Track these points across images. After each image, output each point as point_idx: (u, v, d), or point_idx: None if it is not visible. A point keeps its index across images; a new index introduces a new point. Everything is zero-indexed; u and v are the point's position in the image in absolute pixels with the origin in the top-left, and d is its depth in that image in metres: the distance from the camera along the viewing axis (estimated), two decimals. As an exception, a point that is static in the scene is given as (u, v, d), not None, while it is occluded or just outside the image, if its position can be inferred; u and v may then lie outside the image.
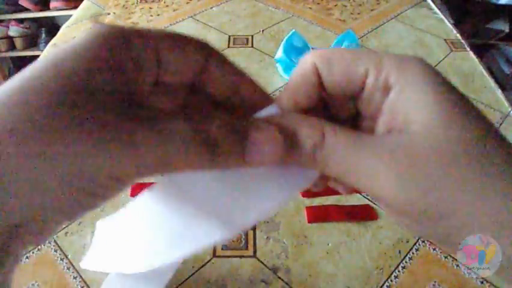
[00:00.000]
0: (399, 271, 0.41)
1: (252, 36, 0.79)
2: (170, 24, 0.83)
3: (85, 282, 0.40)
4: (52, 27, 2.03)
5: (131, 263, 0.19)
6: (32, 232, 0.14)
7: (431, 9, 0.89)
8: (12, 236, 0.14)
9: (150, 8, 0.89)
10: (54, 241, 0.44)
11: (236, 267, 0.41)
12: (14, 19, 1.96)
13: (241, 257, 0.42)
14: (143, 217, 0.20)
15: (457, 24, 0.85)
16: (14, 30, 1.98)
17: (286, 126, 0.17)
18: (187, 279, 0.40)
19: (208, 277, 0.40)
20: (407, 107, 0.16)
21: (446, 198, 0.15)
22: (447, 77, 0.17)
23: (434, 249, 0.43)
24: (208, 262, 0.42)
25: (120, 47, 0.15)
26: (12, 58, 2.12)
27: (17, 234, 0.14)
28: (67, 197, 0.14)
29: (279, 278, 0.40)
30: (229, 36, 0.78)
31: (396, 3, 0.91)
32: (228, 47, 0.76)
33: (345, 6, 0.89)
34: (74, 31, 0.82)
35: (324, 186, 0.20)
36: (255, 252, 0.42)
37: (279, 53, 0.66)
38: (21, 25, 2.00)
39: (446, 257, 0.42)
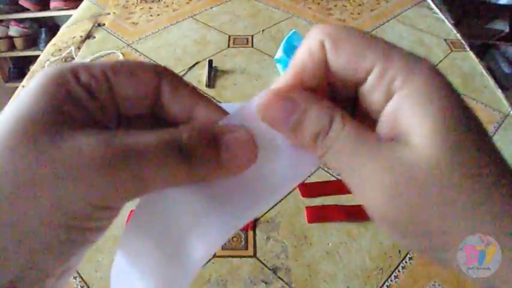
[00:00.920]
0: (399, 271, 0.41)
1: (252, 36, 0.79)
2: (171, 24, 0.83)
3: (85, 282, 0.40)
4: (52, 27, 2.03)
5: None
6: (32, 283, 0.13)
7: (431, 9, 0.89)
8: None
9: (150, 8, 0.89)
10: (54, 241, 0.44)
11: (236, 267, 0.41)
12: (14, 19, 1.96)
13: (241, 257, 0.42)
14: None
15: (457, 24, 0.85)
16: (14, 30, 1.98)
17: (297, 101, 0.16)
18: (187, 279, 0.40)
19: (208, 277, 0.40)
20: (411, 116, 0.15)
21: (436, 217, 0.15)
22: (451, 82, 0.16)
23: (434, 249, 0.43)
24: (208, 262, 0.42)
25: (66, 77, 0.15)
26: (12, 58, 2.12)
27: None
28: (55, 237, 0.13)
29: (279, 278, 0.40)
30: (229, 36, 0.78)
31: (396, 3, 0.91)
32: (228, 47, 0.76)
33: (345, 6, 0.89)
34: (74, 31, 0.82)
35: None
36: (255, 252, 0.42)
37: (279, 53, 0.66)
38: (21, 25, 2.00)
39: (446, 257, 0.42)
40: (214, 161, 0.16)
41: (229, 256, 0.42)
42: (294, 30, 0.65)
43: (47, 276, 0.14)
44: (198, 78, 0.68)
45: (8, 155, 0.13)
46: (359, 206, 0.47)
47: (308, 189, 0.49)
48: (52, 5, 1.88)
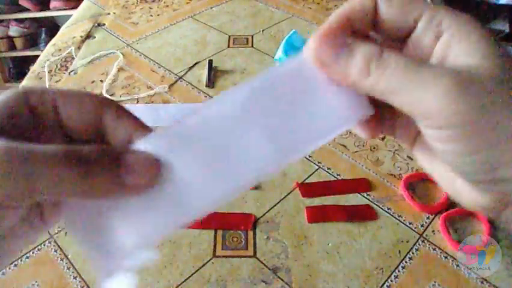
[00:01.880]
0: (399, 271, 0.41)
1: (252, 36, 0.79)
2: (171, 24, 0.83)
3: (85, 282, 0.40)
4: (52, 27, 2.03)
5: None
6: None
7: (431, 9, 0.89)
8: None
9: (150, 8, 0.89)
10: (54, 241, 0.44)
11: (236, 267, 0.41)
12: (14, 19, 1.96)
13: (241, 257, 0.42)
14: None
15: (456, 24, 0.85)
16: (14, 30, 1.98)
17: (345, 38, 0.17)
18: (187, 279, 0.40)
19: (208, 277, 0.40)
20: (459, 52, 0.16)
21: (507, 116, 0.15)
22: None
23: (434, 249, 0.43)
24: (208, 262, 0.42)
25: (19, 99, 0.17)
26: (12, 58, 2.12)
27: None
28: None
29: (279, 278, 0.40)
30: (229, 36, 0.78)
31: (396, 3, 0.91)
32: (228, 47, 0.76)
33: (345, 6, 0.89)
34: (74, 31, 0.82)
35: (372, 134, 0.21)
36: (255, 252, 0.42)
37: (279, 53, 0.66)
38: (21, 25, 2.00)
39: (446, 257, 0.42)
40: (113, 178, 0.16)
41: (229, 256, 0.42)
42: (294, 30, 0.65)
43: None
44: (198, 78, 0.68)
45: None
46: (359, 206, 0.47)
47: (308, 189, 0.49)
48: (52, 5, 1.87)
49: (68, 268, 0.41)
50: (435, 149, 0.17)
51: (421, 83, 0.15)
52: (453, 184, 0.18)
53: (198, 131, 0.19)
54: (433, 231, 0.44)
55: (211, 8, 0.89)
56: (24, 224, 0.18)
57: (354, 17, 0.18)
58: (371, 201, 0.47)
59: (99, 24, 0.84)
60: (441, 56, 0.17)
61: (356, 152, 0.54)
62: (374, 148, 0.55)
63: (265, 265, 0.41)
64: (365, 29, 0.19)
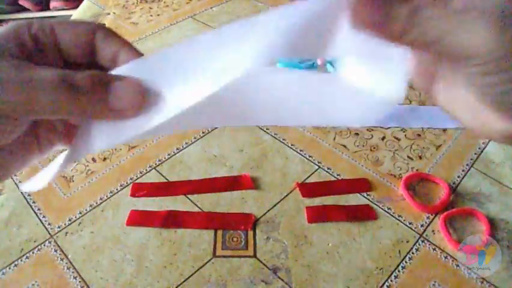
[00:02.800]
0: (399, 271, 0.41)
1: (252, 36, 0.78)
2: (171, 24, 0.83)
3: (85, 282, 0.40)
4: (52, 27, 2.03)
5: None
6: None
7: (431, 9, 0.89)
8: None
9: (150, 8, 0.89)
10: (54, 241, 0.44)
11: (236, 267, 0.41)
12: (14, 19, 1.96)
13: (241, 257, 0.42)
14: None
15: (456, 24, 0.85)
16: (14, 30, 1.98)
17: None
18: (187, 279, 0.40)
19: (208, 277, 0.40)
20: None
21: None
22: None
23: (434, 249, 0.43)
24: (208, 262, 0.42)
25: (22, 29, 0.20)
26: (12, 58, 2.11)
27: None
28: None
29: (279, 278, 0.40)
30: (229, 36, 0.78)
31: (396, 3, 0.91)
32: (228, 47, 0.76)
33: (345, 6, 0.89)
34: (74, 31, 0.82)
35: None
36: (255, 252, 0.42)
37: (279, 53, 0.66)
38: (21, 25, 1.99)
39: (446, 257, 0.42)
40: (101, 102, 0.19)
41: (229, 256, 0.42)
42: (294, 30, 0.65)
43: None
44: (198, 78, 0.68)
45: None
46: (359, 206, 0.47)
47: (308, 189, 0.49)
48: (52, 5, 1.87)
49: (68, 268, 0.41)
50: (473, 85, 0.18)
51: (465, 27, 0.16)
52: (478, 116, 0.19)
53: (186, 53, 0.20)
54: (433, 231, 0.44)
55: (211, 8, 0.89)
56: (21, 146, 0.21)
57: None
58: (371, 201, 0.47)
59: (99, 24, 0.84)
60: None
61: (356, 152, 0.54)
62: (374, 148, 0.55)
63: (265, 265, 0.41)
64: None
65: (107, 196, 0.48)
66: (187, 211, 0.46)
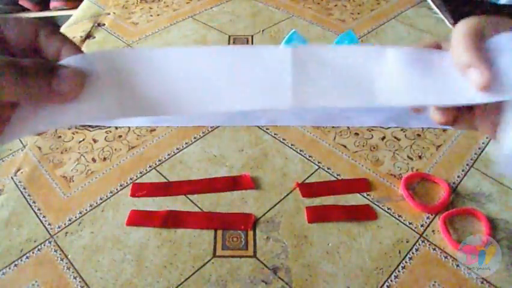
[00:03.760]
0: (399, 271, 0.41)
1: (252, 36, 0.79)
2: (171, 24, 0.83)
3: (85, 282, 0.40)
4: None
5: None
6: None
7: (431, 9, 0.89)
8: None
9: (150, 8, 0.89)
10: (54, 241, 0.44)
11: (236, 267, 0.41)
12: (14, 19, 1.96)
13: (241, 257, 0.42)
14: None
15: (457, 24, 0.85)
16: (14, 30, 1.98)
17: None
18: (187, 279, 0.40)
19: (208, 277, 0.40)
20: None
21: None
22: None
23: (434, 249, 0.43)
24: (208, 262, 0.42)
25: None
26: (12, 58, 2.11)
27: None
28: None
29: (279, 278, 0.40)
30: (229, 36, 0.78)
31: (396, 3, 0.91)
32: (228, 47, 0.76)
33: (345, 6, 0.89)
34: (74, 31, 0.82)
35: (448, 120, 0.28)
36: (255, 252, 0.42)
37: (279, 53, 0.66)
38: (21, 25, 1.99)
39: (446, 257, 0.42)
40: (46, 84, 0.21)
41: (229, 256, 0.42)
42: (294, 30, 0.65)
43: None
44: (198, 78, 0.68)
45: None
46: (359, 206, 0.47)
47: (308, 189, 0.49)
48: (52, 5, 1.87)
49: (68, 268, 0.41)
50: None
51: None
52: None
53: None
54: (433, 231, 0.44)
55: (211, 8, 0.89)
56: None
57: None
58: (371, 201, 0.47)
59: (99, 24, 0.84)
60: None
61: (356, 152, 0.54)
62: (374, 148, 0.55)
63: (265, 265, 0.41)
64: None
65: (107, 196, 0.48)
66: (187, 211, 0.46)
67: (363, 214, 0.46)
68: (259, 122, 0.58)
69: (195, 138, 0.56)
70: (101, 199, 0.48)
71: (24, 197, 0.48)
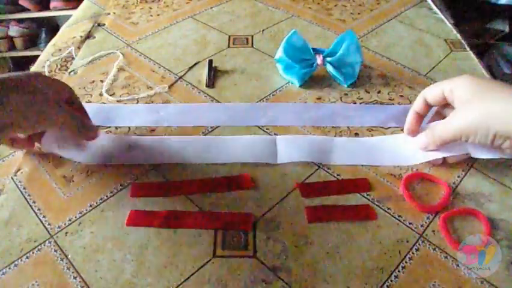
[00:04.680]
0: (399, 271, 0.41)
1: (252, 36, 0.79)
2: (171, 24, 0.83)
3: (85, 282, 0.40)
4: (52, 27, 2.03)
5: None
6: None
7: (431, 9, 0.89)
8: None
9: (150, 8, 0.89)
10: (54, 241, 0.44)
11: (236, 267, 0.41)
12: (14, 19, 1.96)
13: (241, 257, 0.42)
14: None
15: (457, 24, 0.85)
16: (14, 30, 1.98)
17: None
18: (187, 279, 0.40)
19: (208, 277, 0.40)
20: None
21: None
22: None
23: (434, 249, 0.43)
24: (208, 262, 0.42)
25: (70, 89, 0.48)
26: (12, 58, 2.11)
27: None
28: None
29: (279, 278, 0.40)
30: (229, 36, 0.78)
31: (396, 3, 0.91)
32: (228, 47, 0.76)
33: (345, 6, 0.89)
34: (74, 31, 0.82)
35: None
36: (255, 252, 0.42)
37: (279, 53, 0.66)
38: (21, 25, 1.99)
39: (446, 257, 0.42)
40: (86, 133, 0.47)
41: (229, 256, 0.42)
42: (294, 30, 0.65)
43: None
44: (198, 78, 0.68)
45: None
46: (359, 206, 0.47)
47: (308, 189, 0.49)
48: (52, 5, 1.87)
49: (68, 268, 0.41)
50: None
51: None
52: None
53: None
54: (433, 231, 0.44)
55: (211, 8, 0.89)
56: None
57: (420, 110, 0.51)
58: (371, 201, 0.47)
59: (99, 24, 0.84)
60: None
61: (356, 152, 0.54)
62: (374, 148, 0.54)
63: (265, 265, 0.41)
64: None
65: (107, 196, 0.48)
66: (187, 211, 0.46)
67: (363, 214, 0.46)
68: (259, 122, 0.58)
69: (195, 138, 0.56)
70: (101, 199, 0.48)
71: (24, 197, 0.48)
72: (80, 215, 0.46)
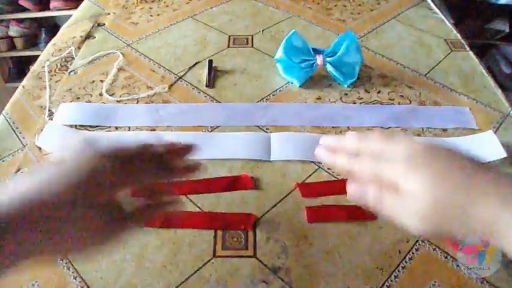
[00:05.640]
0: (399, 271, 0.41)
1: (252, 36, 0.79)
2: (171, 24, 0.83)
3: (85, 282, 0.40)
4: (52, 27, 2.03)
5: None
6: None
7: (431, 9, 0.89)
8: None
9: (150, 8, 0.89)
10: (54, 241, 0.44)
11: (236, 267, 0.41)
12: (14, 19, 1.96)
13: (241, 257, 0.42)
14: None
15: (457, 24, 0.85)
16: (14, 30, 1.98)
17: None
18: (187, 279, 0.40)
19: (208, 277, 0.40)
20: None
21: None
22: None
23: (434, 249, 0.43)
24: (208, 262, 0.42)
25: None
26: (12, 58, 2.11)
27: None
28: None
29: (279, 278, 0.40)
30: (229, 36, 0.78)
31: (396, 3, 0.91)
32: (228, 47, 0.76)
33: (345, 6, 0.89)
34: (74, 31, 0.82)
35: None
36: (255, 252, 0.42)
37: (279, 53, 0.66)
38: (21, 25, 1.99)
39: (446, 257, 0.42)
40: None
41: (229, 256, 0.42)
42: (294, 30, 0.65)
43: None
44: (198, 78, 0.68)
45: None
46: (359, 206, 0.47)
47: (308, 189, 0.49)
48: (52, 5, 1.87)
49: (68, 268, 0.41)
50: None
51: (405, 216, 0.31)
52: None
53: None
54: (433, 231, 0.44)
55: (211, 8, 0.89)
56: None
57: None
58: (371, 201, 0.47)
59: (99, 24, 0.84)
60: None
61: (356, 152, 0.54)
62: (374, 148, 0.54)
63: (265, 265, 0.41)
64: None
65: (107, 196, 0.48)
66: (187, 211, 0.46)
67: (363, 214, 0.46)
68: (260, 122, 0.58)
69: (195, 138, 0.56)
70: (101, 199, 0.48)
71: (24, 197, 0.48)
72: (80, 215, 0.46)
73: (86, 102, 0.63)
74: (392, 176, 0.29)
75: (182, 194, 0.48)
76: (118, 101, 0.63)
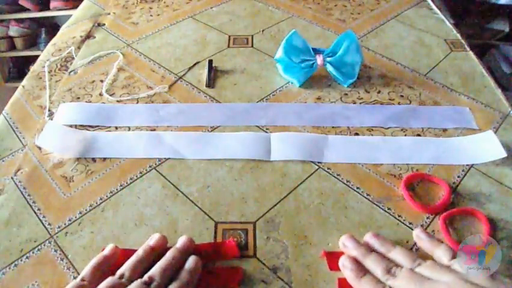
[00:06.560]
0: (399, 271, 0.41)
1: (252, 36, 0.79)
2: (171, 24, 0.83)
3: (85, 282, 0.40)
4: (52, 27, 2.03)
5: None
6: None
7: (431, 9, 0.89)
8: None
9: (150, 8, 0.89)
10: (54, 241, 0.44)
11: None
12: (14, 19, 1.96)
13: (241, 257, 0.42)
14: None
15: (457, 24, 0.85)
16: (14, 30, 1.98)
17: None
18: (187, 279, 0.40)
19: (208, 277, 0.40)
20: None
21: None
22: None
23: (434, 249, 0.43)
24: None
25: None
26: (12, 58, 2.11)
27: None
28: None
29: (279, 278, 0.40)
30: (229, 36, 0.78)
31: (396, 3, 0.91)
32: (228, 47, 0.76)
33: (345, 6, 0.89)
34: (74, 31, 0.82)
35: None
36: (255, 252, 0.42)
37: (279, 53, 0.66)
38: (21, 25, 1.99)
39: (446, 257, 0.42)
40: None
41: (229, 256, 0.42)
42: (294, 30, 0.65)
43: None
44: (198, 78, 0.68)
45: None
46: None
47: (337, 260, 0.41)
48: (52, 5, 1.87)
49: (68, 268, 0.41)
50: None
51: None
52: None
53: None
54: (433, 231, 0.44)
55: (211, 8, 0.89)
56: None
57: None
58: (371, 201, 0.47)
59: (99, 24, 0.84)
60: None
61: (356, 152, 0.54)
62: (374, 148, 0.54)
63: (265, 265, 0.41)
64: None
65: (107, 196, 0.48)
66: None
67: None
68: (260, 122, 0.58)
69: (195, 138, 0.56)
70: (101, 199, 0.48)
71: (24, 197, 0.48)
72: (80, 215, 0.46)
73: (86, 102, 0.63)
74: None
75: (182, 194, 0.48)
76: (118, 101, 0.63)
